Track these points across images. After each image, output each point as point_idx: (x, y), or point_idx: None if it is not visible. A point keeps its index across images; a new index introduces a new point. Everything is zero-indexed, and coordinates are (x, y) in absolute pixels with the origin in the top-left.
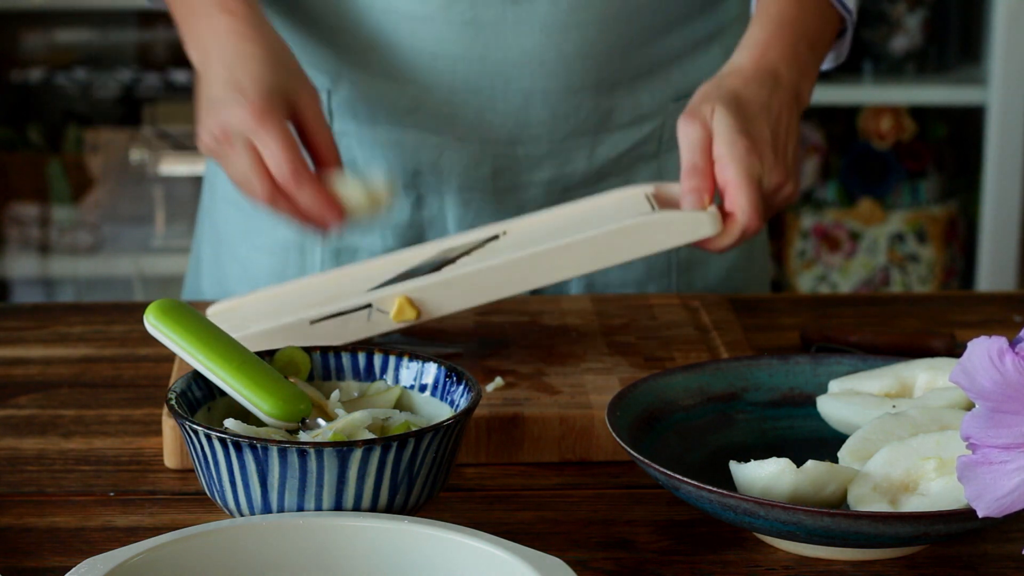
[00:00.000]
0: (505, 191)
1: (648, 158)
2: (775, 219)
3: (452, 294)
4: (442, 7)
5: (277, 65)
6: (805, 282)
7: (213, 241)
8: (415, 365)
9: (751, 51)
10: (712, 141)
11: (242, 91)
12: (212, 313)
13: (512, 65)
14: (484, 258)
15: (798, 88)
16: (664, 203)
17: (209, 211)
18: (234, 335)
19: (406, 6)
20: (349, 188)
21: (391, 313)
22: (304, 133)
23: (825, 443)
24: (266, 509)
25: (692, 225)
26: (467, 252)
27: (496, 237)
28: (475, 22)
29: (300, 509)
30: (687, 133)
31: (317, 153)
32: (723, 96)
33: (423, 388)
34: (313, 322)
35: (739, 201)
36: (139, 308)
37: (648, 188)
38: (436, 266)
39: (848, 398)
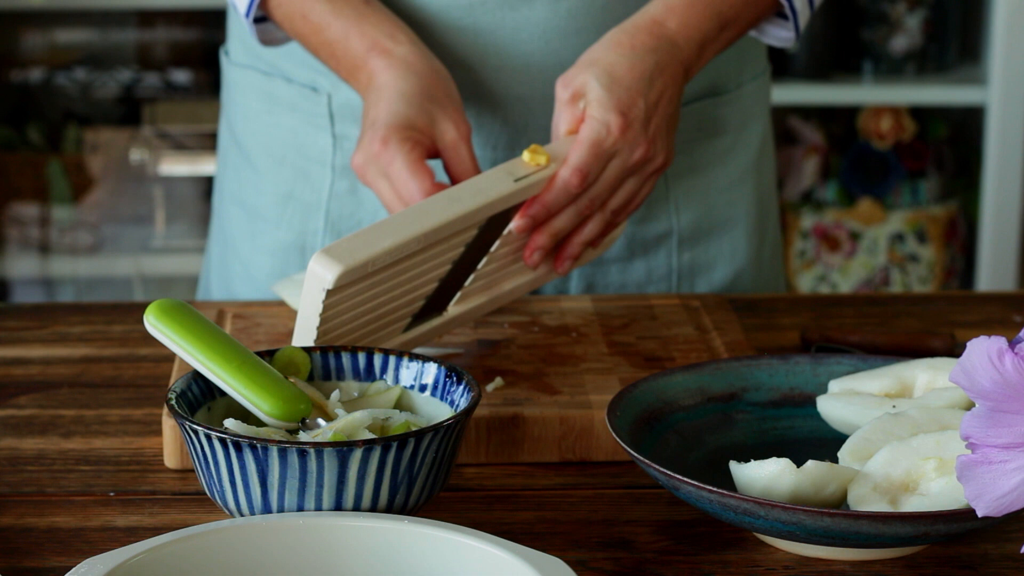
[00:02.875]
0: None
1: None
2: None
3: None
4: (440, 12)
5: (415, 98)
6: (805, 282)
7: (220, 241)
8: (415, 365)
9: (651, 15)
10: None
11: (374, 125)
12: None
13: (511, 71)
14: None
15: (690, 61)
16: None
17: (218, 212)
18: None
19: (404, 12)
20: None
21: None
22: (445, 161)
23: (825, 443)
24: (266, 509)
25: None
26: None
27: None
28: (473, 28)
29: (300, 509)
30: (560, 100)
31: (456, 180)
32: (600, 65)
33: (423, 388)
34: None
35: (569, 158)
36: (139, 308)
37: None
38: (487, 242)
39: (848, 398)
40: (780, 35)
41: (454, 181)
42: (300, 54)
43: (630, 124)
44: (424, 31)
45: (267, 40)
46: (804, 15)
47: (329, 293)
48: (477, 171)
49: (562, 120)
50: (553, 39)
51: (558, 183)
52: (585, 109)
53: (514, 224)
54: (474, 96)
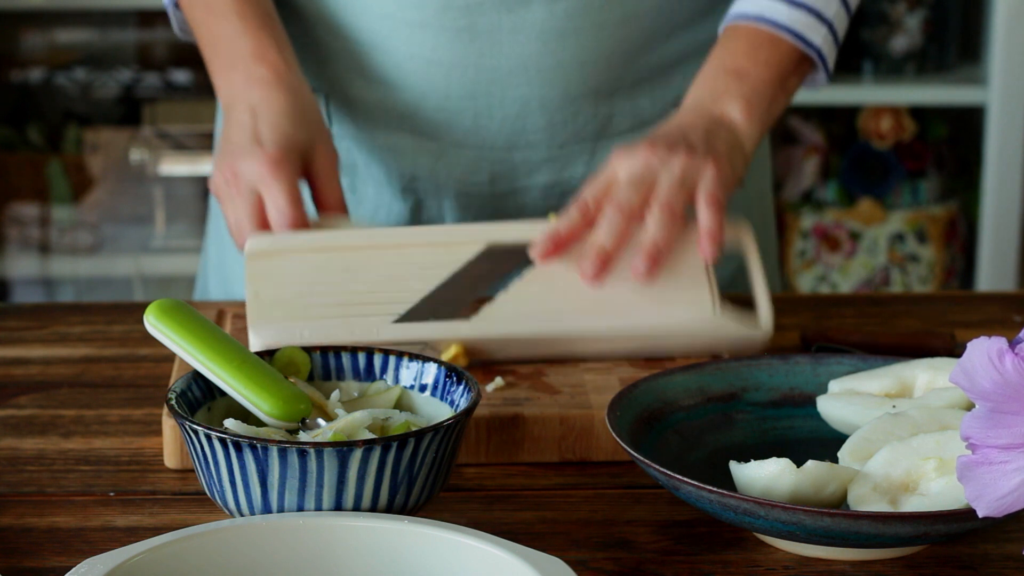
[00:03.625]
0: (503, 196)
1: None
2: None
3: (501, 348)
4: (437, 13)
5: (299, 119)
6: (805, 282)
7: (219, 242)
8: (415, 365)
9: (694, 94)
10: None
11: (260, 141)
12: (251, 255)
13: (508, 72)
14: (539, 306)
15: (716, 111)
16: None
17: (215, 211)
18: (285, 338)
19: (402, 12)
20: None
21: (444, 355)
22: (314, 187)
23: (825, 443)
24: (266, 509)
25: (746, 340)
26: (529, 263)
27: None
28: (470, 29)
29: (300, 509)
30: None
31: (324, 207)
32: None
33: (423, 388)
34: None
35: (704, 217)
36: (139, 308)
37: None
38: (488, 272)
39: (848, 398)
40: (815, 79)
41: (321, 206)
42: (298, 54)
43: (653, 146)
44: (421, 32)
45: (185, 31)
46: (832, 57)
47: (249, 259)
48: (342, 201)
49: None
50: (550, 40)
51: (576, 208)
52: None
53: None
54: (471, 97)
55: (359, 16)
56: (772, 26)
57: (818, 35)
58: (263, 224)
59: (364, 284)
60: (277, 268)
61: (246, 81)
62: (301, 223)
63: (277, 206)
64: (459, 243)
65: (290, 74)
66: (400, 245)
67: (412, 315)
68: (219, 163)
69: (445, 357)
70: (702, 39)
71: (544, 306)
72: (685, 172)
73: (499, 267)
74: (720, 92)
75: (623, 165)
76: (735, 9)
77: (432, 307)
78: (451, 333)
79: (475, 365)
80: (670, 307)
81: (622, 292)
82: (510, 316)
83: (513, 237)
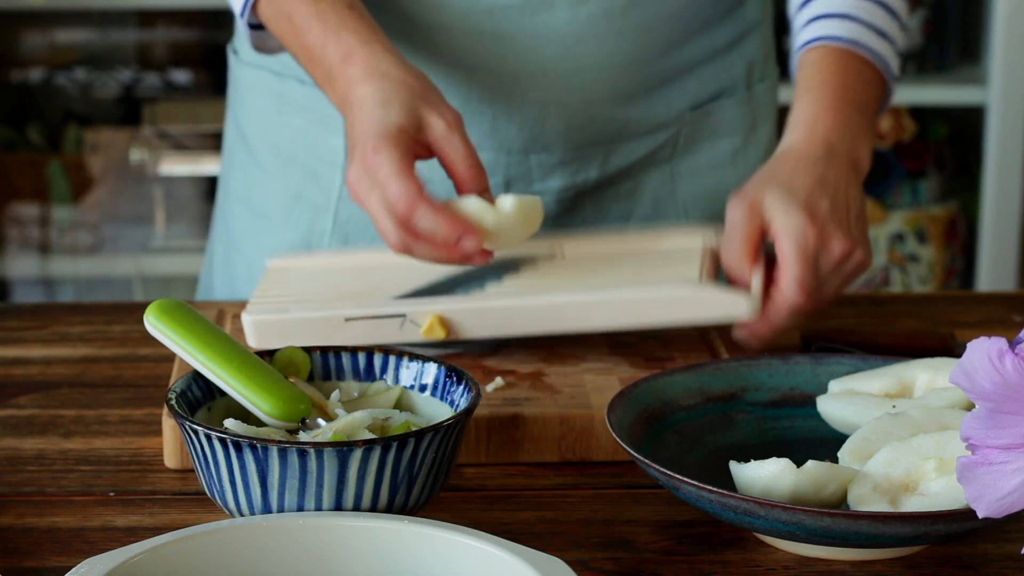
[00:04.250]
0: None
1: (661, 163)
2: None
3: (483, 322)
4: (460, 16)
5: (396, 102)
6: None
7: (224, 241)
8: (415, 365)
9: (801, 129)
10: (763, 220)
11: (363, 137)
12: (271, 267)
13: (528, 76)
14: (525, 289)
15: (854, 156)
16: (717, 261)
17: (222, 211)
18: (273, 315)
19: (424, 15)
20: (478, 210)
21: (422, 329)
22: (439, 155)
23: (825, 443)
24: (266, 509)
25: (727, 306)
26: (516, 270)
27: (554, 256)
28: (492, 32)
29: (300, 509)
30: (735, 213)
31: (455, 176)
32: (776, 182)
33: (423, 388)
34: (348, 320)
35: (784, 277)
36: (139, 308)
37: (709, 237)
38: (483, 275)
39: (848, 398)
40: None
41: (449, 170)
42: None
43: (821, 223)
44: (444, 35)
45: (261, 47)
46: (894, 79)
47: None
48: (473, 157)
49: (737, 219)
50: (572, 45)
51: (782, 302)
52: (772, 225)
53: (737, 335)
54: (490, 100)
55: (382, 19)
56: (869, 53)
57: (895, 64)
58: (390, 211)
59: (365, 283)
60: (289, 275)
61: (345, 87)
62: (410, 194)
63: (383, 189)
64: None
65: (377, 59)
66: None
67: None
68: (348, 168)
69: (424, 331)
70: (718, 44)
71: (528, 287)
72: (841, 263)
73: (494, 271)
74: (856, 132)
75: (786, 229)
76: (822, 30)
77: (426, 291)
78: (429, 305)
79: (474, 365)
80: (655, 281)
81: (611, 277)
82: (492, 295)
83: (521, 252)
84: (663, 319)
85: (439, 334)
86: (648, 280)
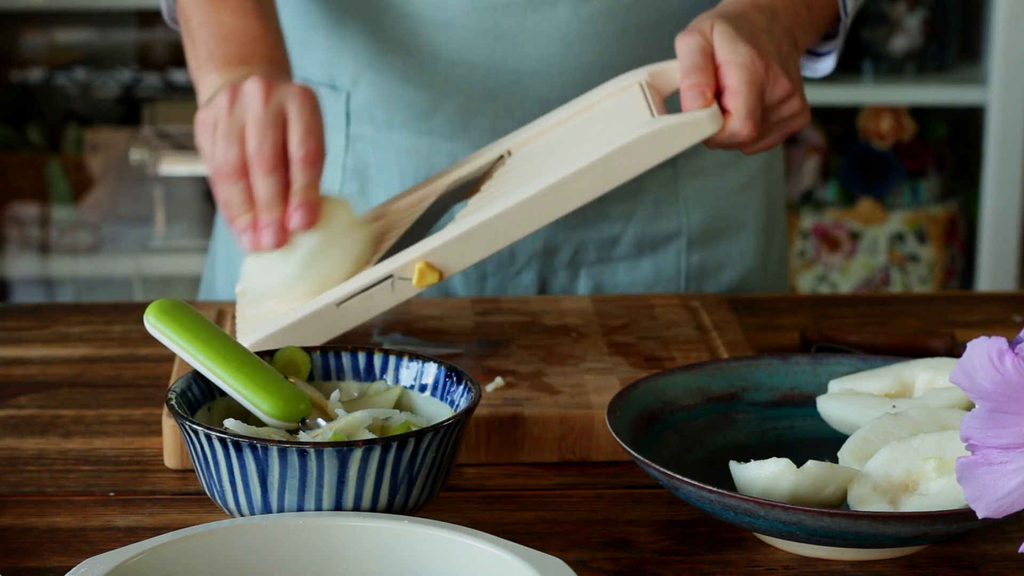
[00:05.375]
0: None
1: (663, 163)
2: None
3: (469, 248)
4: (462, 14)
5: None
6: (805, 282)
7: (227, 240)
8: (415, 365)
9: None
10: (713, 48)
11: (248, 73)
12: (240, 292)
13: (530, 74)
14: (492, 198)
15: (793, 32)
16: (661, 91)
17: None
18: (268, 330)
19: (426, 12)
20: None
21: (414, 280)
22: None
23: (825, 443)
24: (266, 509)
25: (693, 128)
26: (474, 184)
27: (501, 158)
28: (495, 30)
29: (300, 509)
30: (686, 43)
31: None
32: (722, 15)
33: (423, 388)
34: (340, 304)
35: (735, 104)
36: (139, 308)
37: (642, 75)
38: (446, 206)
39: (848, 398)
40: (821, 66)
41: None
42: (318, 53)
43: (767, 60)
44: (445, 32)
45: (176, 21)
46: (842, 39)
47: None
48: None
49: (688, 48)
50: (574, 42)
51: (728, 134)
52: (720, 54)
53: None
54: (492, 97)
55: (384, 15)
56: None
57: (852, 5)
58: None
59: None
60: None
61: (223, 62)
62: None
63: (297, 116)
64: (418, 200)
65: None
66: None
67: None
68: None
69: (416, 281)
70: None
71: (497, 193)
72: (781, 105)
73: (455, 198)
74: (799, 16)
75: (735, 58)
76: None
77: (400, 246)
78: (410, 255)
79: (474, 365)
80: (613, 136)
81: (570, 151)
82: (465, 216)
83: (468, 170)
84: (638, 167)
85: (432, 279)
86: (608, 139)
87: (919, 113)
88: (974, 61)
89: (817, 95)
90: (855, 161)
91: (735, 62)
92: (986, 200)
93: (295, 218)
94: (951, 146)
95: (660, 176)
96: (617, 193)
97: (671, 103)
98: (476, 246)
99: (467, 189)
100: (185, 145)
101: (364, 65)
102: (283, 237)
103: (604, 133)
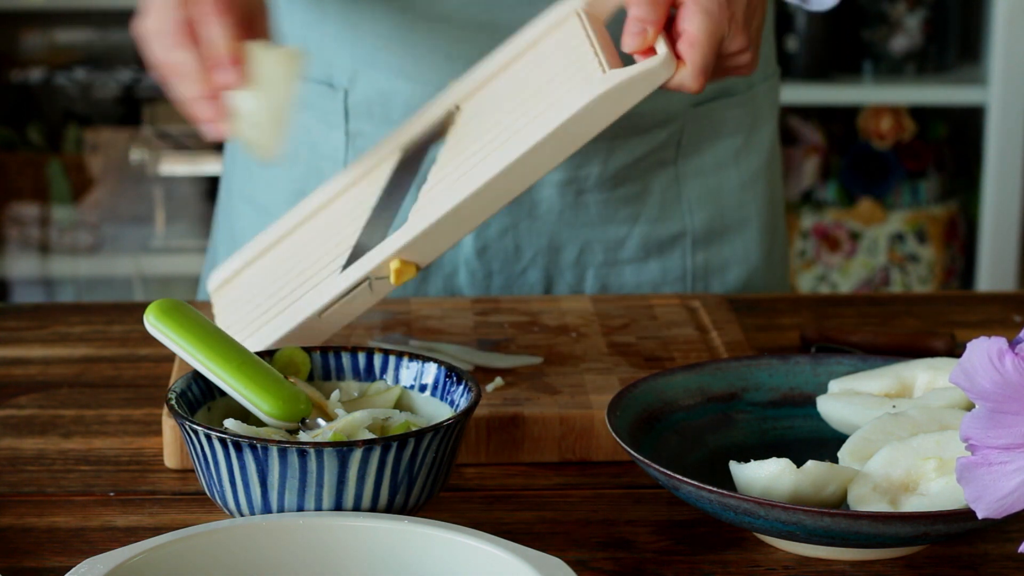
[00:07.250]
0: None
1: (666, 164)
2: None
3: (440, 237)
4: (459, 7)
5: None
6: (805, 282)
7: (228, 240)
8: (415, 365)
9: None
10: None
11: None
12: (213, 292)
13: None
14: (457, 177)
15: None
16: (600, 15)
17: (225, 209)
18: (255, 348)
19: (422, 6)
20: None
21: (391, 279)
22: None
23: (825, 443)
24: (266, 509)
25: (645, 80)
26: (432, 156)
27: (451, 115)
28: (491, 24)
29: (300, 509)
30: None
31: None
32: None
33: (423, 388)
34: (322, 314)
35: (691, 56)
36: (139, 308)
37: (578, 3)
38: (412, 185)
39: (848, 398)
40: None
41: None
42: (317, 50)
43: (731, 12)
44: (441, 26)
45: None
46: None
47: (213, 296)
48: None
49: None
50: None
51: (674, 83)
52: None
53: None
54: None
55: (381, 8)
56: None
57: None
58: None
59: (307, 259)
60: (236, 290)
61: None
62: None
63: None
64: (374, 168)
65: None
66: (324, 205)
67: (354, 256)
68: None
69: (394, 280)
70: None
71: (457, 171)
72: (732, 57)
73: (415, 166)
74: None
75: (701, 6)
76: None
77: (369, 238)
78: (383, 252)
79: (475, 368)
80: (566, 99)
81: (518, 119)
82: (431, 203)
83: (420, 129)
84: (595, 128)
85: (410, 274)
86: (559, 101)
87: (919, 113)
88: (974, 61)
89: (817, 95)
90: (855, 161)
91: (699, 6)
92: (986, 200)
93: (222, 77)
94: (951, 146)
95: (664, 178)
96: (624, 196)
97: (613, 28)
98: (446, 234)
99: (423, 154)
100: (185, 145)
101: (361, 62)
102: (219, 107)
103: (554, 92)
